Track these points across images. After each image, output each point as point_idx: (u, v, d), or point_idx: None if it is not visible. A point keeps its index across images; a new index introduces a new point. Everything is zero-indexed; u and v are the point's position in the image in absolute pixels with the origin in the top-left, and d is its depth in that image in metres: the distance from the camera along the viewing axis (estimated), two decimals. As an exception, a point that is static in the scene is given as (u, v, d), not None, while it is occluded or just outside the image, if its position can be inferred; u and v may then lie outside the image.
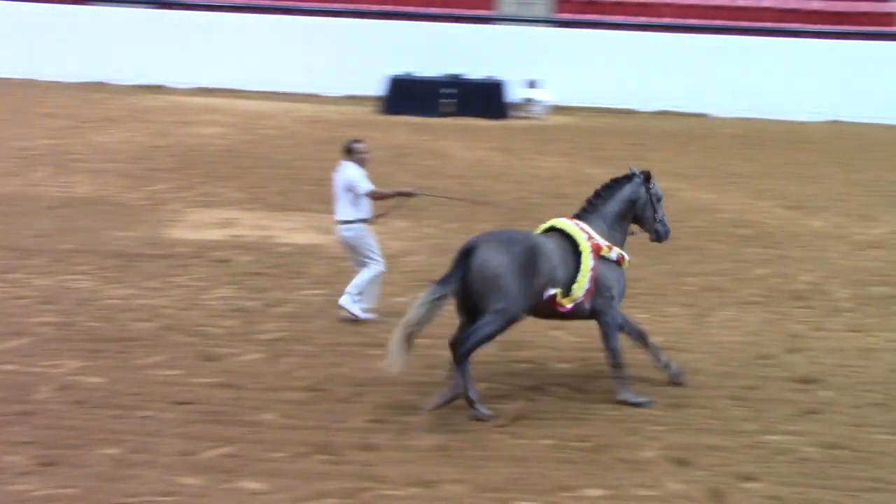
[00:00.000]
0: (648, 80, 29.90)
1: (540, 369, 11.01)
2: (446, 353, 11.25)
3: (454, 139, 24.44)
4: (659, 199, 10.84)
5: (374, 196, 12.22)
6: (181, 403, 9.80)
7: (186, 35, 30.37)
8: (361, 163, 12.31)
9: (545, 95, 28.94)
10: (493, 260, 9.65)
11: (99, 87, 29.87)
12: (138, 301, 12.63)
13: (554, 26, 31.69)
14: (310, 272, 14.09)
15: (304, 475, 8.60)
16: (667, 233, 10.93)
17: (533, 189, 19.45)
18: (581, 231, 10.25)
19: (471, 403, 9.76)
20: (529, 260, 9.77)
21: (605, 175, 21.13)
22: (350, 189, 12.08)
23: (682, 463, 9.01)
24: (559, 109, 29.27)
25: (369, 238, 12.37)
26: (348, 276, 13.91)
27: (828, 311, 13.27)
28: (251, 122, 25.22)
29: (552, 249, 10.00)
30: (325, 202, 17.79)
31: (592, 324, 12.33)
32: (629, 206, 10.65)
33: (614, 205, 10.61)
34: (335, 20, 31.17)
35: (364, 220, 12.26)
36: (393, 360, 9.62)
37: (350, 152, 12.29)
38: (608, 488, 8.56)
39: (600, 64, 29.90)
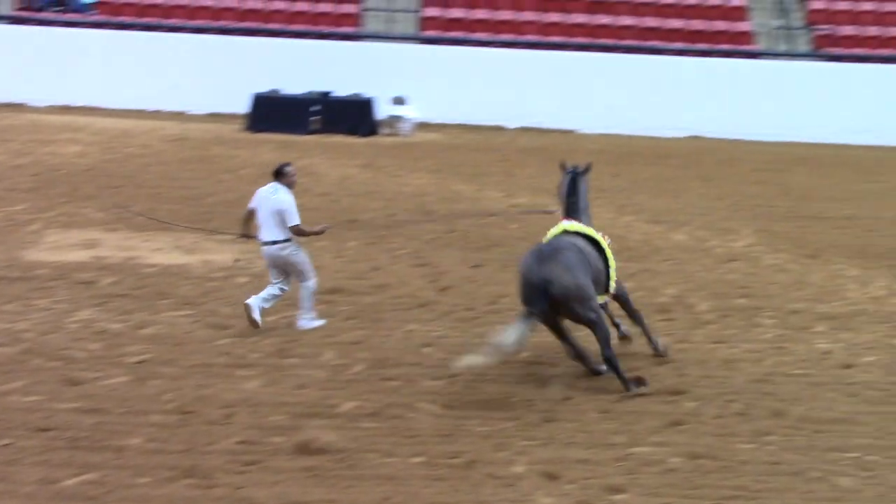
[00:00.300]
0: (515, 97, 30.22)
1: (409, 386, 11.00)
2: (315, 373, 11.20)
3: (321, 157, 24.34)
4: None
5: (298, 232, 12.55)
6: (42, 430, 9.53)
7: (46, 52, 29.66)
8: (291, 185, 12.63)
9: (412, 112, 29.03)
10: (571, 281, 10.79)
11: (-47, 105, 29.04)
12: (-3, 325, 12.27)
13: (420, 43, 31.81)
14: (176, 293, 13.86)
15: (172, 500, 8.44)
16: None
17: (400, 206, 19.48)
18: (593, 230, 11.65)
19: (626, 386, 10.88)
20: (586, 262, 11.08)
21: (472, 192, 21.35)
22: (281, 215, 12.37)
23: (551, 477, 9.09)
24: (426, 126, 29.39)
25: (302, 254, 12.68)
26: (216, 295, 13.75)
27: (691, 323, 13.54)
28: (114, 141, 24.75)
29: (590, 251, 11.33)
30: (191, 221, 17.55)
31: (459, 340, 12.40)
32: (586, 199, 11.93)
33: (584, 200, 11.94)
34: (200, 37, 30.80)
35: (291, 240, 12.54)
36: (472, 364, 10.66)
37: (281, 175, 12.59)
38: (479, 504, 8.59)
39: (467, 81, 30.11)
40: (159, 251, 15.81)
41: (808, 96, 30.75)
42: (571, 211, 11.84)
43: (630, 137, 29.57)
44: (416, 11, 32.86)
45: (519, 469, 9.23)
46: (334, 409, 10.33)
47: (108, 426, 9.70)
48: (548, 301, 10.69)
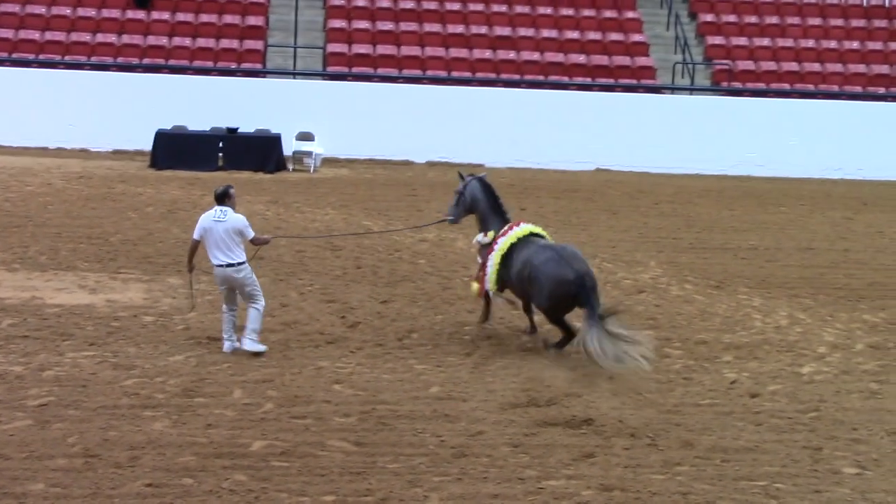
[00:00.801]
0: (422, 132, 30.31)
1: (320, 424, 10.90)
2: (224, 413, 11.04)
3: (228, 193, 24.08)
4: None
5: (256, 242, 13.16)
6: (-59, 478, 9.24)
7: (-58, 89, 29.09)
8: (234, 207, 13.02)
9: (319, 148, 28.95)
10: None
11: None
12: None
13: (325, 79, 31.79)
14: (80, 333, 13.58)
15: (77, 547, 8.23)
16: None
17: (309, 242, 19.36)
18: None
19: None
20: None
21: (382, 226, 21.30)
22: (240, 233, 12.76)
23: (465, 512, 9.05)
24: (333, 162, 29.34)
25: (254, 276, 13.06)
26: (121, 335, 13.50)
27: (600, 355, 13.60)
28: (14, 180, 24.27)
29: None
30: (94, 260, 17.29)
31: (370, 376, 12.36)
32: None
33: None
34: (102, 74, 30.40)
35: (245, 262, 12.90)
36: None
37: (227, 197, 12.93)
38: (393, 542, 8.52)
39: (373, 116, 30.14)
40: (62, 291, 15.50)
41: (708, 129, 31.34)
42: (503, 212, 13.99)
43: (536, 171, 29.83)
44: (321, 48, 32.85)
45: (431, 505, 9.18)
46: (244, 448, 10.19)
47: (9, 472, 9.45)
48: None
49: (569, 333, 13.31)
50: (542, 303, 13.27)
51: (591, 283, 12.97)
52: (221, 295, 13.18)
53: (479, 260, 14.26)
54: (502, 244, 13.70)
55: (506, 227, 13.86)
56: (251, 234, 12.92)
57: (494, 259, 13.70)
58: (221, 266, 12.79)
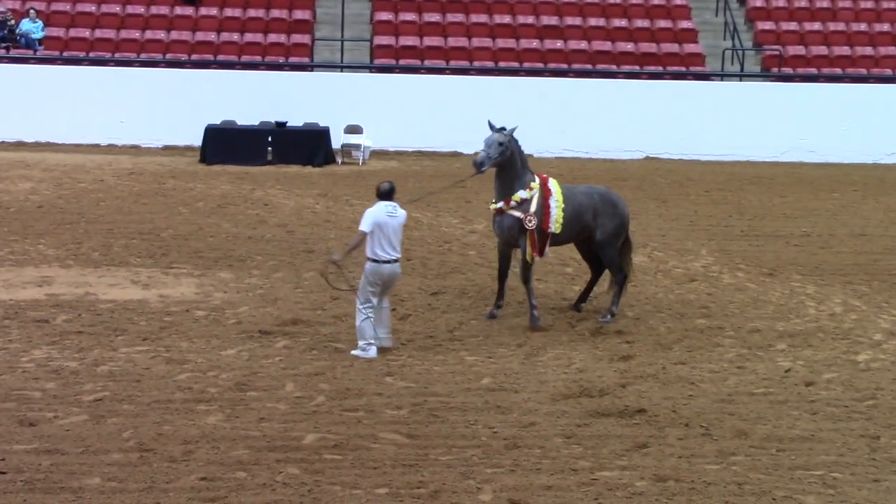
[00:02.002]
0: (469, 123, 30.08)
1: (372, 416, 10.92)
2: (276, 406, 11.06)
3: (277, 187, 24.24)
4: None
5: None
6: (-2, 473, 9.35)
7: (-4, 88, 29.41)
8: None
9: (367, 141, 28.98)
10: None
11: None
12: (-50, 367, 12.05)
13: (372, 72, 31.82)
14: (133, 328, 13.68)
15: (133, 541, 8.29)
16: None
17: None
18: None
19: None
20: None
21: (430, 219, 21.32)
22: (402, 230, 12.95)
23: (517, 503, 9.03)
24: (382, 154, 29.37)
25: None
26: (173, 329, 13.59)
27: (652, 345, 13.55)
28: (66, 177, 24.51)
29: None
30: (146, 256, 17.43)
31: (421, 368, 12.37)
32: None
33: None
34: (151, 70, 30.61)
35: None
36: None
37: (395, 192, 13.03)
38: (446, 534, 8.51)
39: (421, 108, 30.11)
40: (115, 287, 15.63)
41: (759, 116, 31.00)
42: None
43: (585, 160, 29.69)
44: (368, 40, 32.87)
45: (485, 497, 9.16)
46: (297, 441, 10.22)
47: (65, 467, 9.53)
48: None
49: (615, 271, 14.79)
50: (615, 230, 14.59)
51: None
52: (371, 292, 12.79)
53: (520, 216, 14.17)
54: (558, 187, 14.43)
55: (538, 180, 14.46)
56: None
57: (558, 200, 14.24)
58: (392, 261, 12.73)
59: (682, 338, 13.87)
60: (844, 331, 14.35)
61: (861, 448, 10.39)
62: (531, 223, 14.05)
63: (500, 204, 14.30)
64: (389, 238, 12.69)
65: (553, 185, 14.47)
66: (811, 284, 16.80)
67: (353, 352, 12.81)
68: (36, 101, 29.13)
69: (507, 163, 14.36)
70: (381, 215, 12.72)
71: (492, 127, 14.70)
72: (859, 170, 29.51)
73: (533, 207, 14.14)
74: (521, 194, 14.26)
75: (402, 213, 12.92)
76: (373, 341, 12.81)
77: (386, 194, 12.91)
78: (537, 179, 14.43)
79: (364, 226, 12.70)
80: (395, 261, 12.79)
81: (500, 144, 14.37)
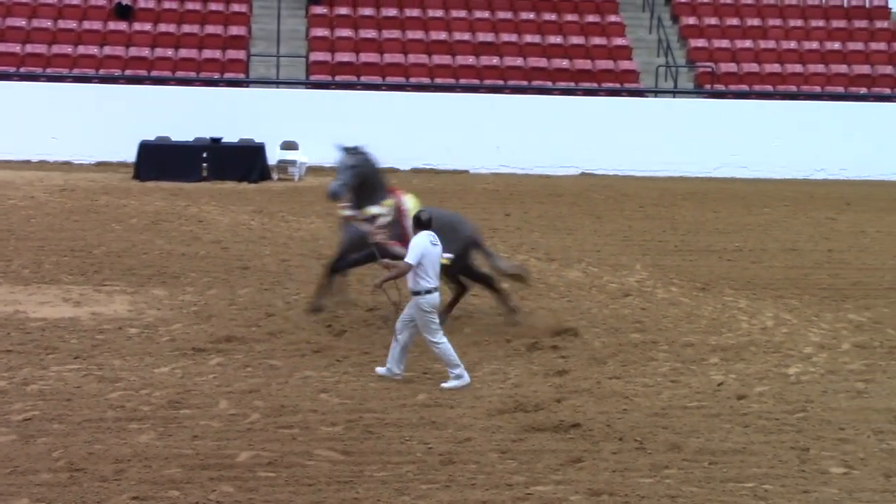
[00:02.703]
0: (406, 139, 30.29)
1: (307, 433, 10.85)
2: (210, 424, 10.99)
3: (212, 204, 24.09)
4: None
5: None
6: (-76, 495, 9.17)
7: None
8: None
9: (303, 157, 28.91)
10: None
11: None
12: None
13: (308, 88, 31.76)
14: (64, 347, 13.50)
15: (63, 562, 8.17)
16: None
17: (294, 251, 19.33)
18: None
19: None
20: None
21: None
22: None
23: (452, 520, 9.02)
24: (318, 171, 29.30)
25: None
26: (106, 348, 13.42)
27: (587, 359, 13.61)
28: (-4, 193, 24.18)
29: None
30: (78, 273, 17.22)
31: (357, 384, 12.34)
32: None
33: None
34: (84, 86, 30.34)
35: None
36: None
37: (431, 223, 12.63)
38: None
39: (357, 124, 29.97)
40: (45, 304, 15.42)
41: (692, 132, 31.41)
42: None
43: (521, 176, 29.85)
44: (304, 57, 32.82)
45: (419, 512, 9.14)
46: (231, 459, 10.13)
47: (-7, 487, 9.38)
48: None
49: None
50: (457, 252, 14.14)
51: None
52: (433, 322, 12.45)
53: (368, 229, 14.38)
54: (413, 201, 14.50)
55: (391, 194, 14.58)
56: None
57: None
58: (436, 290, 12.39)
59: (617, 352, 13.95)
60: (776, 344, 14.53)
61: (791, 460, 10.51)
62: (377, 238, 14.22)
63: (350, 213, 14.55)
64: (434, 266, 12.36)
65: (408, 201, 14.51)
66: (743, 299, 16.99)
67: (446, 384, 12.40)
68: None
69: (368, 180, 14.57)
70: (426, 245, 12.34)
71: (345, 149, 14.62)
72: (790, 185, 29.96)
73: (384, 223, 14.36)
74: (374, 209, 14.41)
75: (440, 244, 12.58)
76: (460, 364, 12.46)
77: (426, 223, 12.55)
78: (394, 197, 14.51)
79: (412, 258, 12.24)
80: (437, 289, 12.48)
81: (353, 167, 14.56)
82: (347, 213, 14.61)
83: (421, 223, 12.62)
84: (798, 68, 34.36)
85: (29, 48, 31.65)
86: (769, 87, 33.81)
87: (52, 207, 22.75)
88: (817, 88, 33.88)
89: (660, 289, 17.55)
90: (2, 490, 9.32)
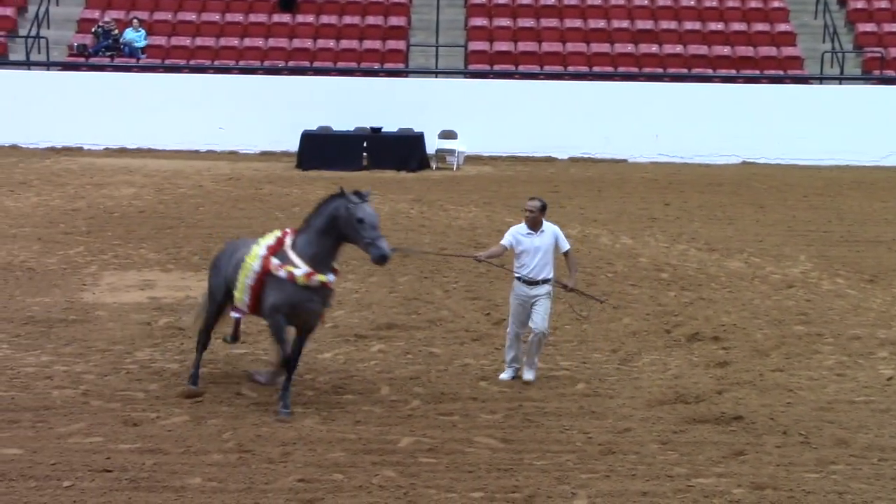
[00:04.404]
0: (564, 128, 30.17)
1: (467, 420, 10.96)
2: (372, 409, 11.17)
3: (373, 192, 24.35)
4: (360, 221, 10.91)
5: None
6: (103, 471, 9.58)
7: (100, 96, 29.99)
8: (526, 221, 12.27)
9: (461, 146, 29.08)
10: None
11: (11, 150, 29.43)
12: (56, 367, 12.37)
13: (467, 77, 31.91)
14: (232, 331, 13.85)
15: (233, 540, 8.44)
16: (381, 256, 10.94)
17: (452, 240, 19.48)
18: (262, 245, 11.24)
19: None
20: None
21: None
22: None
23: (616, 511, 9.01)
24: (476, 159, 29.43)
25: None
26: (269, 334, 13.73)
27: (749, 351, 13.40)
28: (167, 182, 24.99)
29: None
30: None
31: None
32: (331, 222, 10.99)
33: (319, 220, 11.07)
34: (249, 77, 31.10)
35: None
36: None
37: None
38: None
39: (515, 113, 30.12)
40: (214, 290, 15.86)
41: (859, 119, 30.46)
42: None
43: (681, 165, 29.44)
44: (462, 46, 32.98)
45: (580, 502, 9.15)
46: (392, 445, 10.31)
47: (167, 466, 9.73)
48: None
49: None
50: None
51: None
52: None
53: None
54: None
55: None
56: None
57: None
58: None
59: (780, 344, 13.70)
60: (948, 338, 14.06)
61: (966, 458, 10.17)
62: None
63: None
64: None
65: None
66: (913, 291, 16.48)
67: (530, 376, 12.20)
68: (138, 108, 29.76)
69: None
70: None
71: (362, 196, 11.27)
72: (964, 174, 28.83)
73: None
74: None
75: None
76: (512, 363, 12.29)
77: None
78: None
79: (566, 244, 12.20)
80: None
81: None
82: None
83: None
84: (973, 52, 33.03)
85: (198, 41, 32.58)
86: (941, 72, 32.58)
87: (219, 196, 23.40)
88: None
89: (825, 280, 17.14)
90: (176, 469, 9.68)
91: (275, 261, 11.03)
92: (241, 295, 11.21)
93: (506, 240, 12.27)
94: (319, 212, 11.13)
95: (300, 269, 10.92)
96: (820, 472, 9.78)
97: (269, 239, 11.33)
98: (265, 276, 11.04)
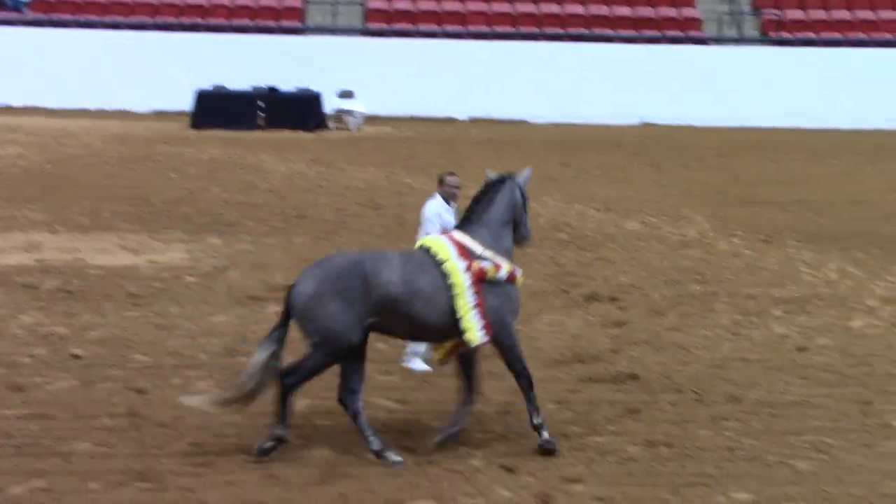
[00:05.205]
0: (464, 88, 30.09)
1: (366, 382, 10.81)
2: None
3: (268, 153, 24.09)
4: (526, 202, 9.84)
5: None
6: (-14, 438, 9.26)
7: (-17, 52, 29.20)
8: (450, 197, 11.27)
9: (360, 106, 28.81)
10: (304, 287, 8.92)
11: None
12: (-63, 332, 11.95)
13: (366, 36, 31.61)
14: (123, 294, 13.57)
15: (122, 505, 8.22)
16: (531, 235, 9.96)
17: (350, 201, 19.30)
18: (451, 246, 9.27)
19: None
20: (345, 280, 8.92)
21: (422, 185, 21.24)
22: (421, 225, 11.21)
23: (509, 470, 8.96)
24: (375, 120, 29.20)
25: None
26: (164, 295, 13.48)
27: (646, 310, 13.47)
28: (54, 141, 24.35)
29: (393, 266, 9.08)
30: (136, 221, 17.30)
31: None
32: (511, 211, 9.64)
33: (496, 212, 9.56)
34: (140, 34, 30.42)
35: None
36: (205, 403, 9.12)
37: (440, 184, 11.32)
38: (438, 499, 8.44)
39: (415, 73, 29.96)
40: (104, 252, 15.52)
41: (756, 81, 30.90)
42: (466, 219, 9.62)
43: (580, 126, 29.56)
44: (361, 4, 32.64)
45: (476, 463, 9.09)
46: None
47: (55, 432, 9.45)
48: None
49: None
50: None
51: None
52: None
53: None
54: None
55: None
56: (425, 231, 10.94)
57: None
58: None
59: (676, 304, 13.80)
60: (840, 297, 14.29)
61: (853, 413, 10.33)
62: None
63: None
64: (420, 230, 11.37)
65: None
66: (807, 251, 16.73)
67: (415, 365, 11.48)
68: (22, 65, 28.96)
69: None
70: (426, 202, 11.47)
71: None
72: (858, 135, 29.42)
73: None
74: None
75: (426, 208, 11.28)
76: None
77: (437, 182, 11.52)
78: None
79: None
80: None
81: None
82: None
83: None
84: (868, 14, 33.62)
85: (87, -3, 31.80)
86: (837, 35, 33.12)
87: (109, 156, 22.88)
88: (888, 35, 33.14)
89: (721, 240, 17.32)
90: (65, 434, 9.40)
91: (484, 263, 9.27)
92: (473, 324, 9.18)
93: (436, 224, 11.05)
94: (495, 202, 9.60)
95: (507, 266, 9.41)
96: (713, 429, 9.85)
97: (443, 246, 9.34)
98: (480, 287, 9.22)
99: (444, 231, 10.06)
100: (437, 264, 9.19)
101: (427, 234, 10.76)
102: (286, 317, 9.13)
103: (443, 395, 10.50)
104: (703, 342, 12.34)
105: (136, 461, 8.95)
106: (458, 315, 9.12)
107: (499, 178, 9.82)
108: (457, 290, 9.14)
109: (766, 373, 11.36)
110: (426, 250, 9.34)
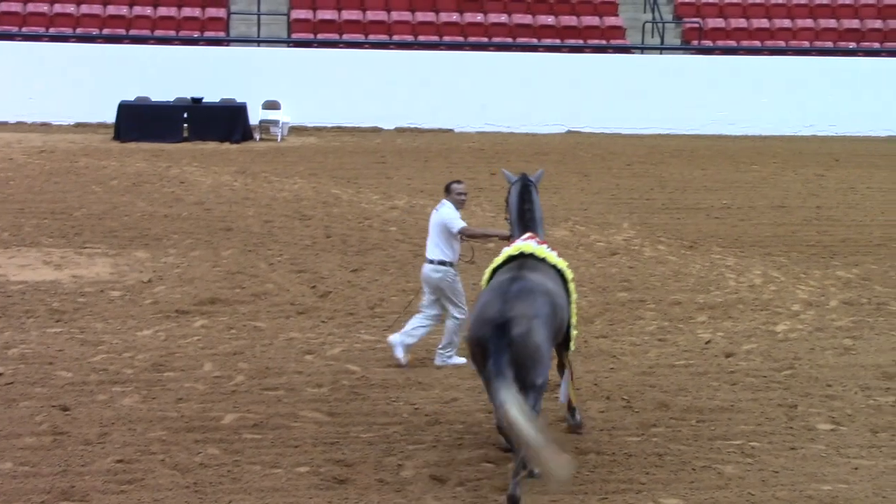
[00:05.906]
0: (389, 98, 30.04)
1: (292, 395, 10.76)
2: (194, 386, 10.87)
3: (193, 164, 23.85)
4: None
5: (468, 234, 11.71)
6: None
7: None
8: (458, 204, 11.74)
9: (285, 116, 28.65)
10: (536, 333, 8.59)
11: None
12: None
13: (290, 46, 31.45)
14: (46, 310, 13.35)
15: (46, 527, 8.08)
16: None
17: (278, 212, 19.17)
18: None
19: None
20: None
21: (350, 195, 21.11)
22: (444, 228, 11.56)
23: (440, 480, 8.95)
24: (300, 130, 29.05)
25: (459, 284, 11.75)
26: (88, 311, 13.28)
27: (577, 318, 13.50)
28: (-24, 155, 23.91)
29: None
30: (58, 236, 17.04)
31: (342, 346, 12.18)
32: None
33: (539, 210, 10.32)
34: (61, 45, 29.95)
35: (452, 264, 11.67)
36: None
37: (448, 192, 11.78)
38: (367, 513, 8.41)
39: (340, 83, 29.84)
40: (26, 267, 15.25)
41: (679, 89, 31.20)
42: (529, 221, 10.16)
43: (507, 135, 29.64)
44: (285, 14, 32.48)
45: (407, 473, 9.08)
46: (216, 422, 10.04)
47: (-25, 452, 9.26)
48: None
49: None
50: None
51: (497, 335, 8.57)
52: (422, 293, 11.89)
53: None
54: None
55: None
56: (455, 226, 11.54)
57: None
58: (427, 261, 11.71)
59: (604, 311, 13.88)
60: (764, 302, 14.47)
61: (779, 417, 10.47)
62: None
63: None
64: (430, 235, 11.80)
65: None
66: (731, 256, 16.92)
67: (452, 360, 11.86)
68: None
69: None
70: (435, 210, 11.85)
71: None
72: (778, 142, 29.83)
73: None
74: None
75: (440, 213, 11.68)
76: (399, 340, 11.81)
77: (444, 191, 11.97)
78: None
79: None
80: (430, 261, 11.70)
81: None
82: None
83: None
84: (786, 23, 34.13)
85: (3, 6, 31.22)
86: (757, 43, 33.59)
87: (30, 169, 22.50)
88: (806, 44, 33.68)
89: (647, 247, 17.46)
90: (-17, 455, 9.22)
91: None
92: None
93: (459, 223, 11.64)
94: (535, 202, 10.40)
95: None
96: (642, 436, 9.93)
97: (549, 254, 9.81)
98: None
99: (529, 235, 10.12)
100: (558, 272, 9.63)
101: (456, 230, 11.46)
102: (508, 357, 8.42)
103: (372, 407, 10.47)
104: (631, 349, 12.44)
105: (60, 480, 8.82)
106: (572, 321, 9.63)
107: (529, 179, 10.55)
108: (574, 296, 9.71)
109: (694, 378, 11.47)
110: (541, 259, 9.66)
